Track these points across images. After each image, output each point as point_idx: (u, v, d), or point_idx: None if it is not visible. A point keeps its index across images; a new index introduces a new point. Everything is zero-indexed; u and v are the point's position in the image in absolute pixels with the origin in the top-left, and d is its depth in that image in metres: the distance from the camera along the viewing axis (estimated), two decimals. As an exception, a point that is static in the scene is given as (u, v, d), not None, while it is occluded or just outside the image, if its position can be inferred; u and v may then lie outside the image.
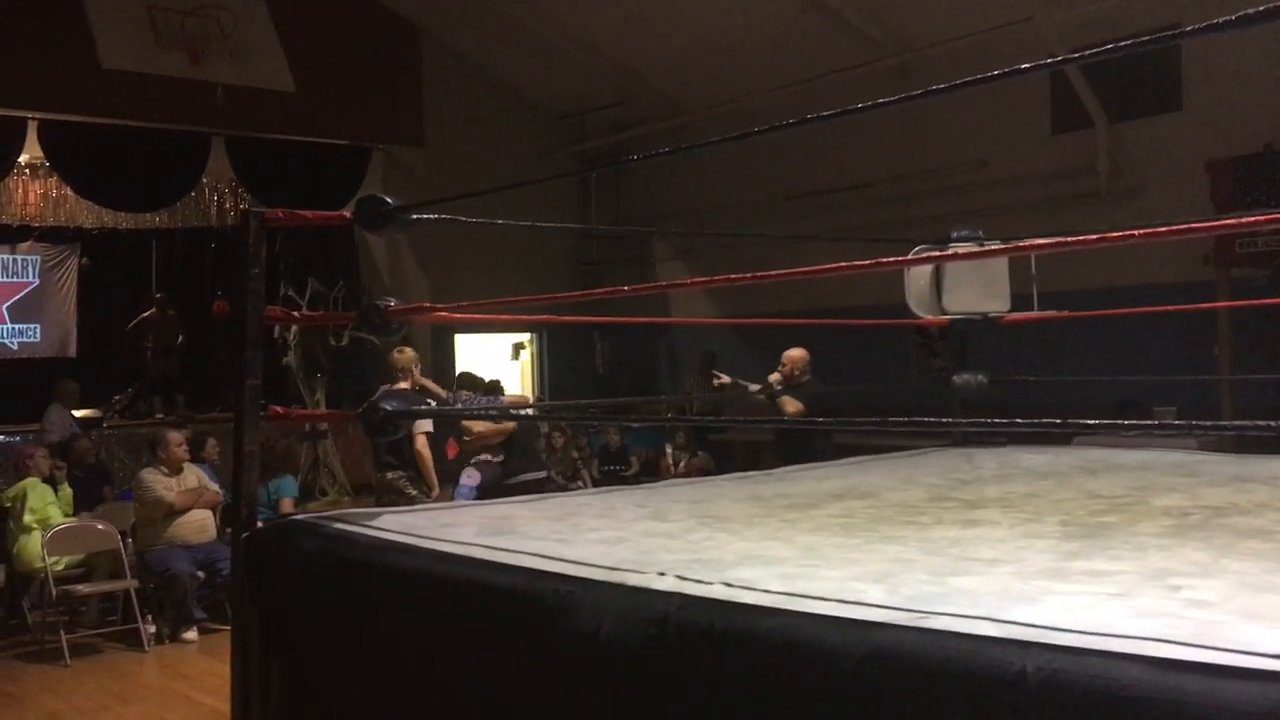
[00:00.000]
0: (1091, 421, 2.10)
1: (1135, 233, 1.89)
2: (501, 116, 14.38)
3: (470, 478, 8.46)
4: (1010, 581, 1.93)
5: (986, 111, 10.60)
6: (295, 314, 4.69)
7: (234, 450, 3.28)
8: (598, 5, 12.22)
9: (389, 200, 3.12)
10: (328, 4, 12.33)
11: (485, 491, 8.24)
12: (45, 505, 7.52)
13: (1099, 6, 9.37)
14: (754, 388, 7.58)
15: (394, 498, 6.76)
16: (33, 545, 7.26)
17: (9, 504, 7.60)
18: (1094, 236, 1.98)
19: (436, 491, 7.05)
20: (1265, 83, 8.90)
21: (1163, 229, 1.89)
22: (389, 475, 6.95)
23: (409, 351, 7.45)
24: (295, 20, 11.75)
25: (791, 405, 6.95)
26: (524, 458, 8.48)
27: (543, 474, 8.74)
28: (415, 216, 3.19)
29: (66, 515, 7.66)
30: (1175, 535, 2.36)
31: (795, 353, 7.25)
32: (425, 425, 7.02)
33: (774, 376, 7.35)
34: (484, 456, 8.65)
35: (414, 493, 6.86)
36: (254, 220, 3.24)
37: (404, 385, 7.19)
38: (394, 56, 12.92)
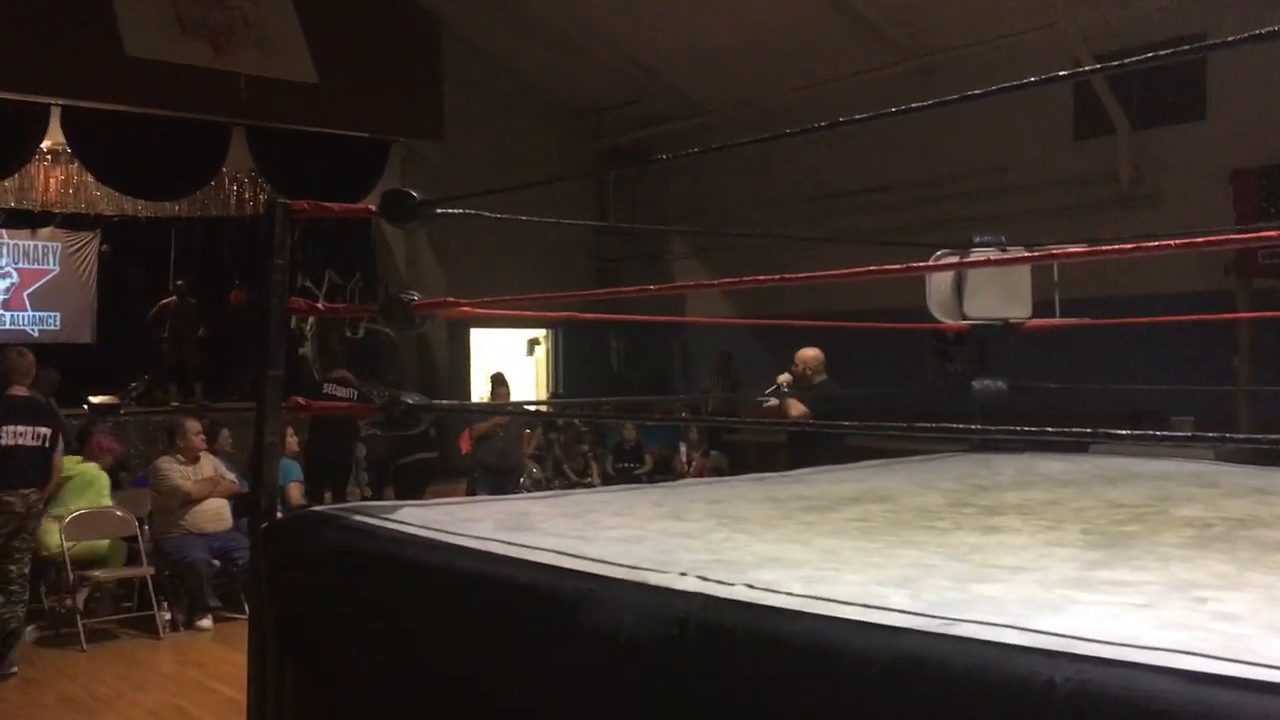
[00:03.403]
0: (1122, 432, 2.08)
1: (1170, 243, 1.88)
2: (521, 111, 14.40)
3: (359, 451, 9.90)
4: (1034, 590, 1.92)
5: (1009, 116, 10.57)
6: (318, 306, 4.70)
7: (255, 440, 3.29)
8: (620, 2, 12.22)
9: (414, 194, 3.12)
10: (350, -4, 12.38)
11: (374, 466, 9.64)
12: (82, 494, 7.55)
13: (1124, 13, 9.34)
14: (769, 392, 7.56)
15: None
16: (52, 533, 7.29)
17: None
18: (1129, 245, 1.98)
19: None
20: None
21: (1198, 239, 1.88)
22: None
23: None
24: (318, 12, 11.80)
25: (795, 408, 6.94)
26: (507, 449, 8.99)
27: (434, 454, 9.48)
28: (440, 211, 3.19)
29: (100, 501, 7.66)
30: (1198, 546, 2.35)
31: (808, 352, 7.23)
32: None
33: (784, 377, 7.33)
34: (373, 431, 9.47)
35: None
36: (279, 211, 3.24)
37: None
38: (415, 50, 12.95)
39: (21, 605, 6.52)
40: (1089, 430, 2.00)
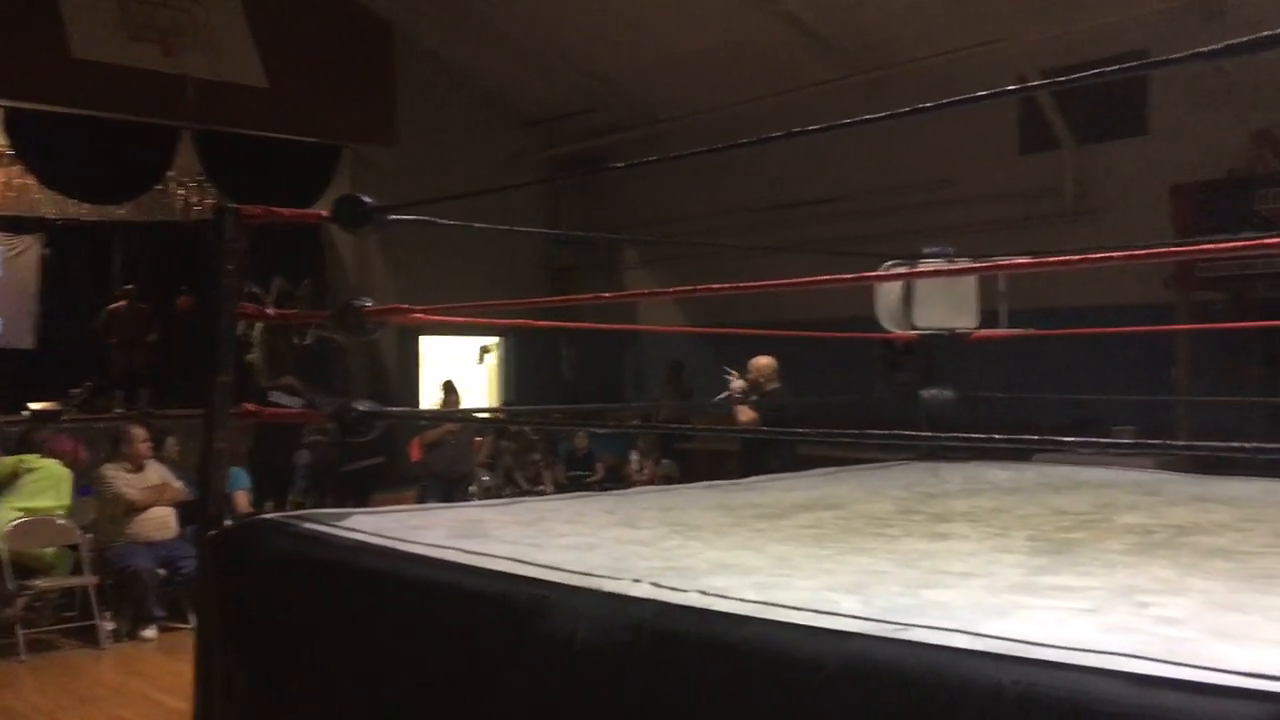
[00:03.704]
0: (1067, 439, 2.12)
1: (1112, 255, 1.92)
2: (474, 119, 14.36)
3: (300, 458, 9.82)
4: (982, 595, 1.95)
5: (956, 130, 10.72)
6: (269, 311, 4.65)
7: (204, 447, 3.26)
8: (573, 11, 12.25)
9: (367, 200, 3.11)
10: (302, 1, 12.28)
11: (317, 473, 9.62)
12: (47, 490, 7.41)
13: (1069, 30, 9.50)
14: (720, 398, 7.59)
15: None
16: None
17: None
18: (1072, 258, 2.01)
19: None
20: (1229, 109, 9.07)
21: (1138, 252, 1.92)
22: None
23: None
24: (269, 15, 11.70)
25: (746, 415, 6.98)
26: (457, 457, 8.98)
27: (380, 459, 9.53)
28: (393, 217, 3.18)
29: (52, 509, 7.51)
30: (1141, 552, 2.40)
31: (762, 360, 7.28)
32: None
33: (737, 384, 7.37)
34: (316, 437, 9.43)
35: None
36: (230, 216, 3.21)
37: None
38: (367, 55, 12.88)
39: None
40: (1034, 438, 2.04)
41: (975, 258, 4.75)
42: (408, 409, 7.44)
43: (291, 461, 10.05)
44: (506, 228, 3.95)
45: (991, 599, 1.92)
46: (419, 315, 3.13)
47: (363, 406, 3.24)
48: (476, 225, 3.58)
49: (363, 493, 9.82)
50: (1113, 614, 1.77)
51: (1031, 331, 5.09)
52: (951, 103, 2.26)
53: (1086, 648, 1.48)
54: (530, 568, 2.27)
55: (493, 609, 2.20)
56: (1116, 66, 2.05)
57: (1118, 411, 8.59)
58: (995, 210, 10.71)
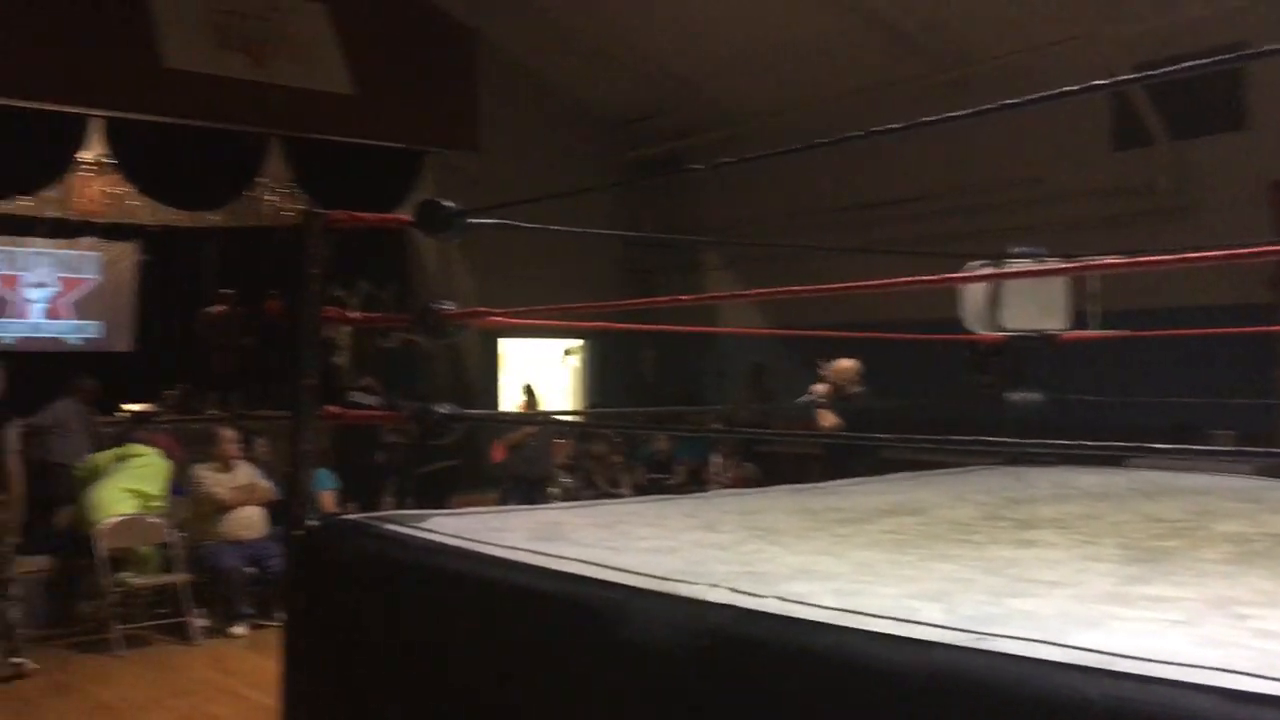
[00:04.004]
0: (1158, 446, 2.05)
1: (1207, 255, 1.85)
2: (555, 122, 14.43)
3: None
4: (1071, 605, 1.89)
5: (1045, 126, 10.49)
6: (352, 315, 4.72)
7: (290, 449, 3.31)
8: (653, 13, 12.24)
9: (448, 204, 3.13)
10: (387, 8, 12.46)
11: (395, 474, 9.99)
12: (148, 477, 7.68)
13: (1162, 22, 9.25)
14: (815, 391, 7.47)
15: None
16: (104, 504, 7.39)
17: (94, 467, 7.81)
18: (1166, 257, 1.95)
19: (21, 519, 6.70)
20: (1333, 102, 8.74)
21: (1237, 251, 1.85)
22: None
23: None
24: (354, 24, 11.89)
25: (827, 420, 6.90)
26: (537, 459, 9.02)
27: (457, 461, 9.66)
28: (474, 221, 3.20)
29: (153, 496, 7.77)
30: (1239, 562, 2.31)
31: (844, 363, 7.19)
32: (16, 442, 6.75)
33: (819, 388, 7.29)
34: (393, 439, 9.55)
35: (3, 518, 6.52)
36: (315, 221, 3.26)
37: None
38: (450, 60, 13.02)
39: None
40: (1120, 444, 1.98)
41: (1067, 257, 4.64)
42: (487, 411, 7.50)
43: (371, 462, 10.22)
44: (584, 230, 3.95)
45: (1080, 609, 1.86)
46: (496, 318, 3.14)
47: (443, 409, 3.27)
48: (553, 228, 3.59)
49: (440, 494, 9.93)
50: (1208, 626, 1.70)
51: (1124, 333, 4.96)
52: (1037, 99, 2.20)
53: (1180, 661, 1.42)
54: (607, 571, 2.26)
55: (569, 612, 2.19)
56: (1212, 59, 1.97)
57: (1216, 416, 8.33)
58: (1085, 209, 10.46)
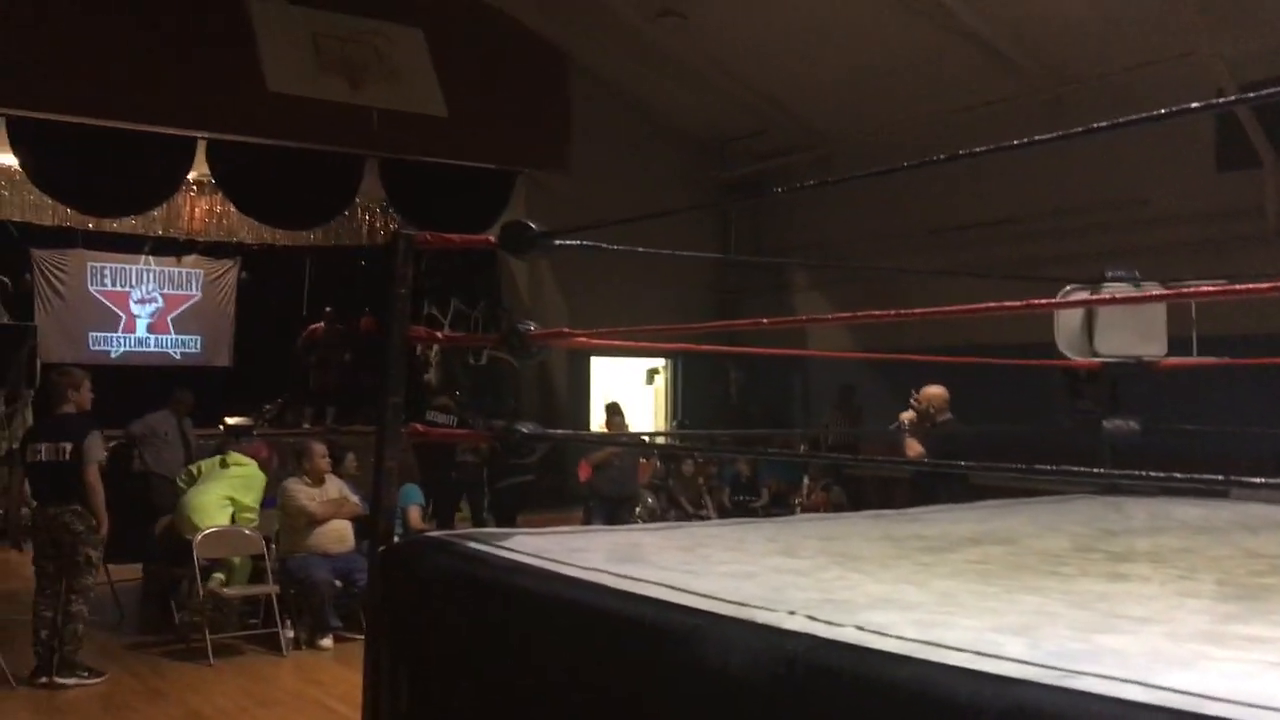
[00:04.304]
0: (1255, 480, 1.97)
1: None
2: (645, 142, 14.51)
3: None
4: (1162, 643, 1.82)
5: (1146, 147, 10.24)
6: (438, 334, 4.78)
7: (375, 465, 3.36)
8: (744, 33, 12.24)
9: (533, 226, 3.16)
10: (481, 31, 12.68)
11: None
12: (242, 488, 7.89)
13: (1268, 42, 8.97)
14: (902, 419, 7.37)
15: (58, 534, 6.50)
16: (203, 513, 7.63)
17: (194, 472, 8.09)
18: (1265, 285, 1.87)
19: (105, 528, 6.66)
20: None
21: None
22: (51, 510, 6.59)
23: (73, 373, 7.06)
24: (449, 47, 12.12)
25: (913, 448, 6.79)
26: (621, 478, 9.06)
27: (530, 477, 9.73)
28: (558, 242, 3.22)
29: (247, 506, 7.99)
30: (1344, 603, 2.21)
31: (933, 390, 7.07)
32: (99, 453, 6.65)
33: (906, 415, 7.18)
34: (466, 457, 9.67)
35: (80, 528, 6.52)
36: (403, 242, 3.31)
37: (68, 409, 6.77)
38: (542, 82, 13.19)
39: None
40: (1215, 476, 1.90)
41: (1166, 281, 4.51)
42: (568, 431, 7.52)
43: (448, 479, 10.40)
44: (670, 252, 3.95)
45: (1172, 648, 1.79)
46: (581, 339, 3.15)
47: (525, 428, 3.29)
48: (639, 250, 3.59)
49: (511, 511, 10.04)
50: (1309, 670, 1.62)
51: (1224, 360, 4.81)
52: (1133, 120, 2.14)
53: (1275, 705, 1.36)
54: (684, 595, 2.24)
55: (645, 636, 2.18)
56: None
57: (1323, 447, 8.00)
58: (1189, 231, 10.17)
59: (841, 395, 12.82)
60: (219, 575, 7.56)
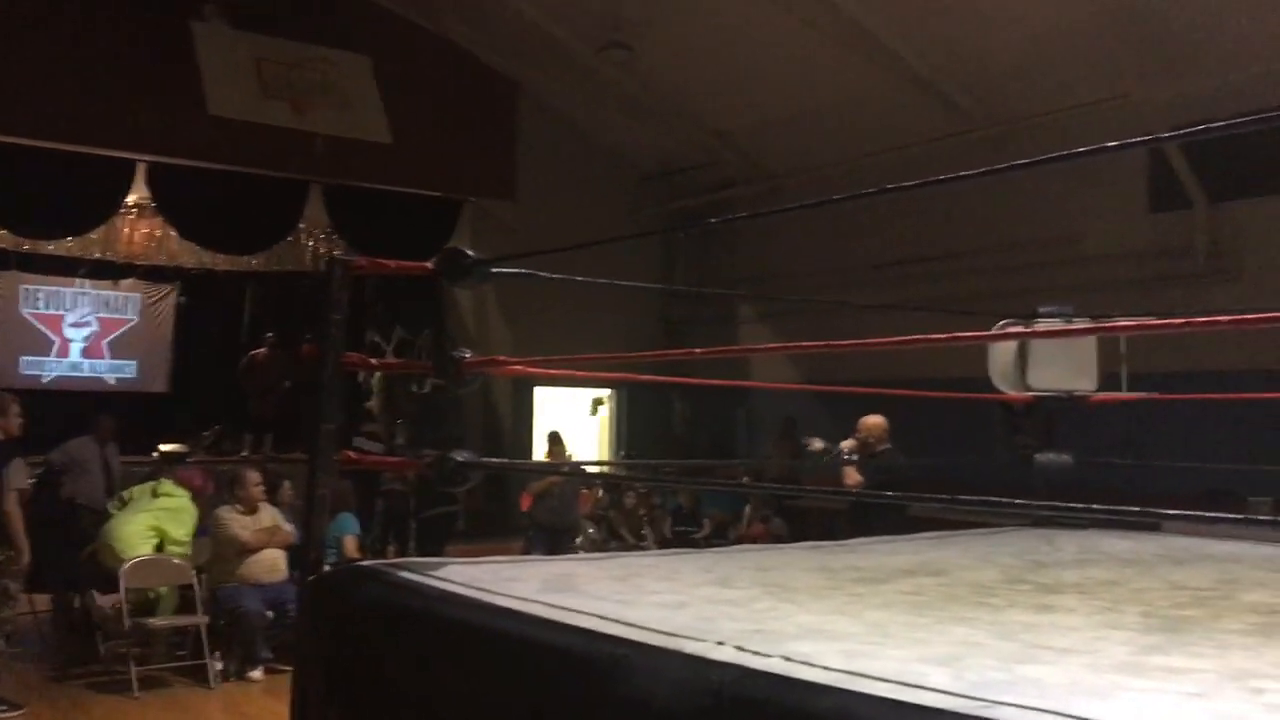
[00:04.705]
0: (1170, 512, 2.00)
1: (1247, 317, 1.81)
2: (592, 173, 14.55)
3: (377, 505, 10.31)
4: (1082, 674, 1.84)
5: (1082, 187, 10.45)
6: (373, 361, 4.74)
7: (307, 493, 3.31)
8: (693, 68, 12.35)
9: (470, 253, 3.15)
10: (428, 59, 12.66)
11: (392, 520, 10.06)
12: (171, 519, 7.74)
13: (1201, 84, 9.22)
14: (843, 447, 7.39)
15: None
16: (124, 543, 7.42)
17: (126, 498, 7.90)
18: (1187, 320, 1.91)
19: (26, 557, 6.49)
20: (1376, 167, 8.65)
21: (1260, 315, 1.82)
22: None
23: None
24: (395, 74, 12.08)
25: (851, 477, 6.83)
26: (561, 508, 9.03)
27: (456, 508, 9.71)
28: (495, 270, 3.21)
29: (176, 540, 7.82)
30: (1261, 634, 2.24)
31: (872, 420, 7.13)
32: (19, 480, 6.50)
33: (847, 443, 7.22)
34: (393, 485, 9.64)
35: None
36: (338, 267, 3.29)
37: None
38: (490, 111, 13.19)
39: None
40: (1137, 509, 1.93)
41: (1096, 318, 4.59)
42: (503, 460, 7.47)
43: (371, 509, 10.30)
44: (607, 281, 3.94)
45: (1092, 678, 1.81)
46: (516, 367, 3.14)
47: (460, 456, 3.26)
48: (578, 279, 3.59)
49: (438, 540, 9.94)
50: (1222, 700, 1.64)
51: (1155, 395, 4.89)
52: (1074, 154, 2.18)
53: (1189, 736, 1.37)
54: (612, 625, 2.23)
55: (573, 666, 2.16)
56: (1252, 117, 1.94)
57: (1255, 482, 8.16)
58: (1123, 270, 10.39)
59: (784, 427, 12.88)
60: (153, 620, 7.40)
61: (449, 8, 12.41)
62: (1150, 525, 4.48)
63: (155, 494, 7.94)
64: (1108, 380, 4.75)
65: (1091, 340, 4.67)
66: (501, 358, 3.28)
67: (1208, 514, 2.03)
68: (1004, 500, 2.39)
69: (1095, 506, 2.07)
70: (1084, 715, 1.48)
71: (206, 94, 10.65)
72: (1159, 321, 2.31)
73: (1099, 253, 10.66)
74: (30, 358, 13.87)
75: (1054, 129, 10.14)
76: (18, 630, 6.98)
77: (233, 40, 11.13)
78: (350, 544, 8.31)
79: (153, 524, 7.68)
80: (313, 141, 11.22)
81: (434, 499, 9.97)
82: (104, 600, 7.46)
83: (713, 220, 12.47)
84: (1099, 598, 2.76)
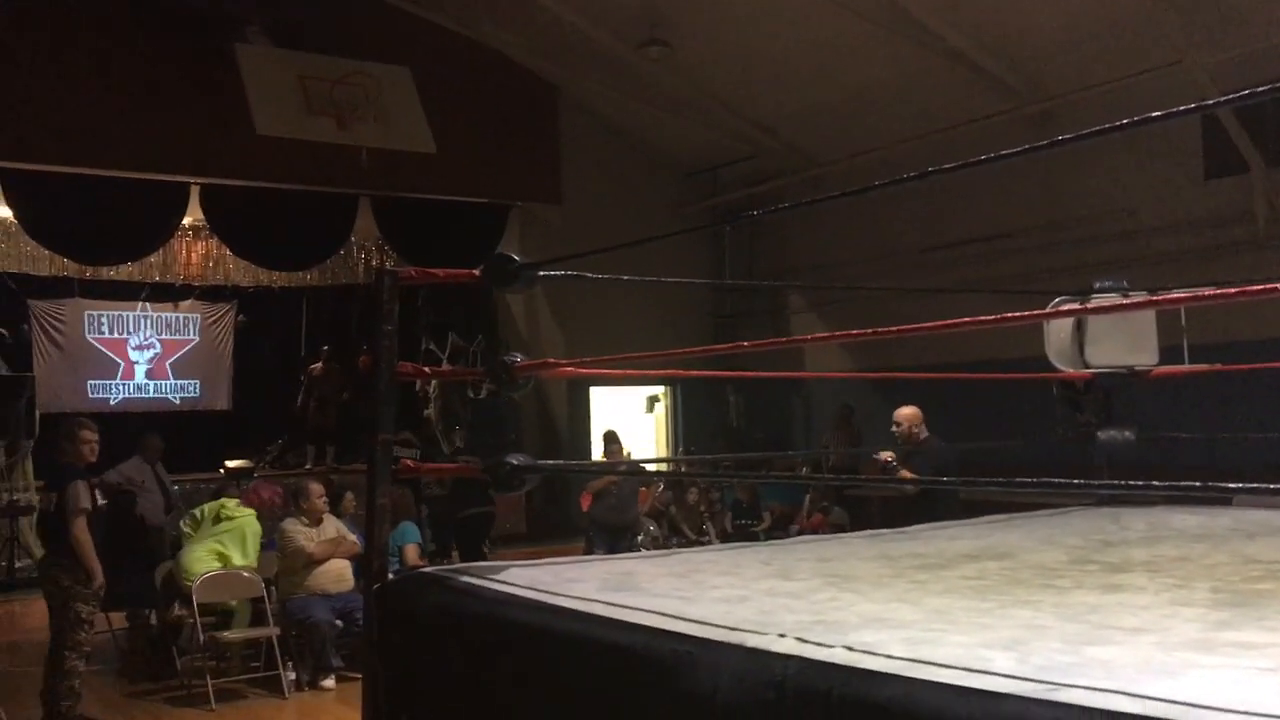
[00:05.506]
0: (1233, 485, 1.96)
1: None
2: (636, 172, 14.56)
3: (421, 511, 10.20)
4: (1152, 652, 1.81)
5: (1133, 159, 10.27)
6: (426, 369, 4.78)
7: (367, 502, 3.35)
8: (730, 60, 12.31)
9: (516, 258, 3.16)
10: (469, 67, 12.74)
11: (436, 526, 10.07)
12: (234, 541, 7.85)
13: (1252, 47, 9.00)
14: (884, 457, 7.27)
15: (48, 587, 6.37)
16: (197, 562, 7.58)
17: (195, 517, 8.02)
18: (1254, 288, 1.87)
19: (98, 580, 6.39)
20: None
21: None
22: (44, 561, 6.52)
23: (70, 422, 6.87)
24: (437, 83, 12.17)
25: (906, 475, 6.76)
26: (621, 506, 9.03)
27: (490, 508, 9.65)
28: (542, 273, 3.22)
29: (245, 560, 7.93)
30: (1338, 606, 2.20)
31: (906, 411, 7.05)
32: (83, 502, 6.35)
33: (885, 454, 7.04)
34: (434, 490, 9.57)
35: (67, 583, 6.28)
36: (388, 278, 3.32)
37: (63, 459, 6.56)
38: (532, 116, 13.25)
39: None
40: (1197, 484, 1.89)
41: (1154, 290, 4.51)
42: (558, 462, 7.48)
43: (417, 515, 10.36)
44: (655, 278, 3.94)
45: (1162, 657, 1.78)
46: (567, 368, 3.15)
47: (515, 460, 3.27)
48: (625, 278, 3.59)
49: (476, 541, 9.92)
50: (1297, 675, 1.61)
51: (1215, 367, 4.79)
52: (1121, 125, 2.13)
53: (1262, 712, 1.35)
54: (674, 621, 2.23)
55: (636, 664, 2.16)
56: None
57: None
58: (1179, 240, 10.19)
59: (841, 415, 12.80)
60: (227, 634, 7.52)
61: (486, 15, 12.48)
62: (1221, 500, 4.40)
63: (218, 518, 7.98)
64: (1168, 353, 4.67)
65: (1150, 314, 4.58)
66: (552, 360, 3.29)
67: (1275, 486, 1.99)
68: (1069, 481, 2.36)
69: (1157, 484, 2.03)
70: (1153, 695, 1.45)
71: (253, 114, 10.80)
72: (1217, 291, 2.26)
73: (1154, 224, 10.47)
74: (97, 381, 14.18)
75: (1102, 102, 9.97)
76: (96, 649, 7.11)
77: (275, 60, 11.28)
78: (412, 552, 8.38)
79: (215, 548, 7.76)
80: (358, 155, 11.34)
81: (468, 499, 9.95)
82: (183, 611, 7.61)
83: (758, 212, 12.39)
84: (1169, 575, 2.71)
